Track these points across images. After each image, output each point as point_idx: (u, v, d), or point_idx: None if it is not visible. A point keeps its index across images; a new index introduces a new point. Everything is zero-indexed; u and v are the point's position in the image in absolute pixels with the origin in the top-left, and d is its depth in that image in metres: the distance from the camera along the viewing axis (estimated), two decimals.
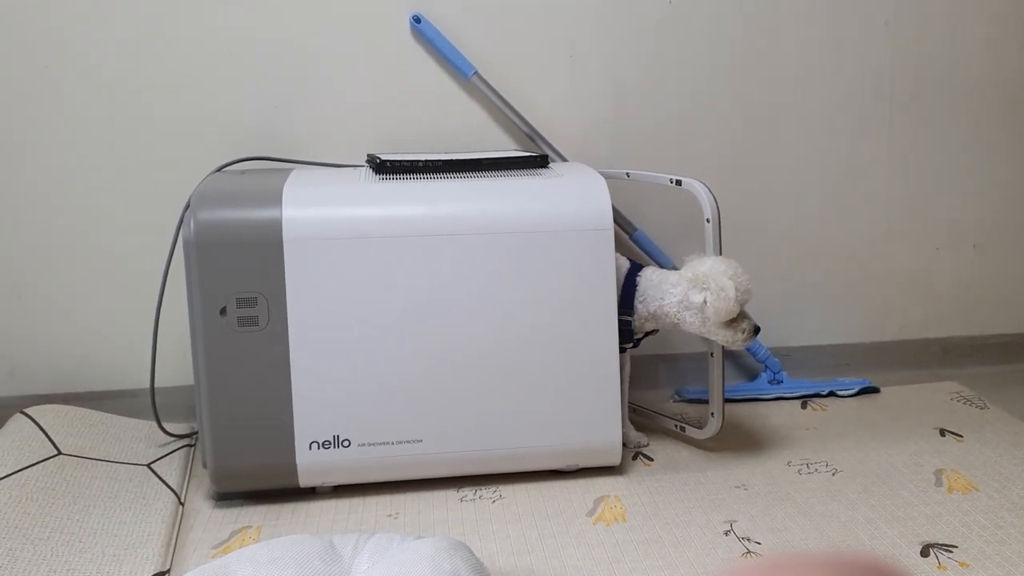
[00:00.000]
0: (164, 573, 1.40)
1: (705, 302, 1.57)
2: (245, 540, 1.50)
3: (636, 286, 1.67)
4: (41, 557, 1.40)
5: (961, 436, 1.88)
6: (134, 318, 1.94)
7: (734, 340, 1.60)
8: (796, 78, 2.07)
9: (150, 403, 1.79)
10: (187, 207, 1.70)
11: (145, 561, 1.41)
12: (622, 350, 1.71)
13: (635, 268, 1.69)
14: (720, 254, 1.66)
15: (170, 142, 1.88)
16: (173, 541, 1.50)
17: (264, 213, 1.51)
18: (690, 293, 1.59)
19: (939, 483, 1.67)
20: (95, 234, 1.92)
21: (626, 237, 1.99)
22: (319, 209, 1.54)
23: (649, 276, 1.67)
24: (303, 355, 1.54)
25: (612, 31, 1.98)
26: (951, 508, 1.58)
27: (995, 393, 2.13)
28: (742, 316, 1.60)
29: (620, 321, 1.64)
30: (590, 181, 1.64)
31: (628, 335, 1.69)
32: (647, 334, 1.74)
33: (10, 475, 1.58)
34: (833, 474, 1.71)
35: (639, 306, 1.66)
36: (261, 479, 1.61)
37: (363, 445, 1.59)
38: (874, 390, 2.13)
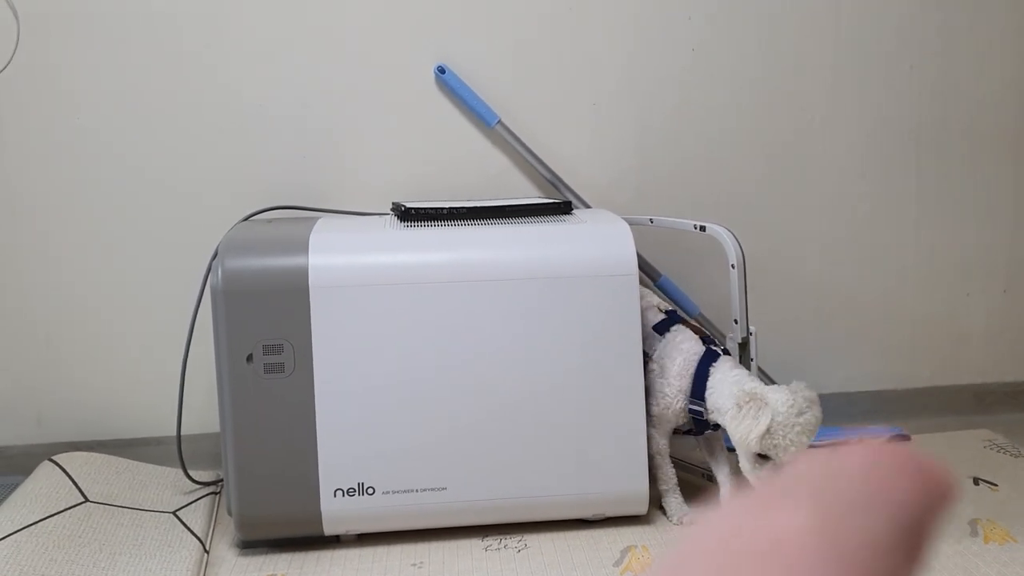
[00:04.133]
0: None
1: (730, 415, 1.47)
2: None
3: (708, 376, 1.57)
4: None
5: (996, 485, 1.84)
6: (161, 366, 1.96)
7: (747, 472, 1.47)
8: (822, 122, 2.07)
9: (176, 450, 1.80)
10: (215, 256, 1.72)
11: None
12: (689, 432, 1.70)
13: (711, 356, 1.58)
14: (746, 299, 1.65)
15: (198, 192, 1.92)
16: None
17: (291, 261, 1.53)
18: (729, 400, 1.49)
19: (975, 533, 1.63)
20: (124, 284, 1.94)
21: (650, 282, 1.98)
22: (345, 256, 1.55)
23: (722, 368, 1.56)
24: (328, 402, 1.55)
25: (636, 79, 2.00)
26: (988, 559, 1.54)
27: None
28: (766, 459, 1.44)
29: (691, 409, 1.59)
30: (614, 227, 1.65)
31: (702, 424, 1.62)
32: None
33: (38, 522, 1.59)
34: None
35: (708, 396, 1.56)
36: (286, 527, 1.60)
37: (387, 493, 1.58)
38: (905, 438, 2.09)
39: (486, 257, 1.58)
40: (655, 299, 1.78)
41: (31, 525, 1.57)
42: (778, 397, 1.42)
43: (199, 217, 1.92)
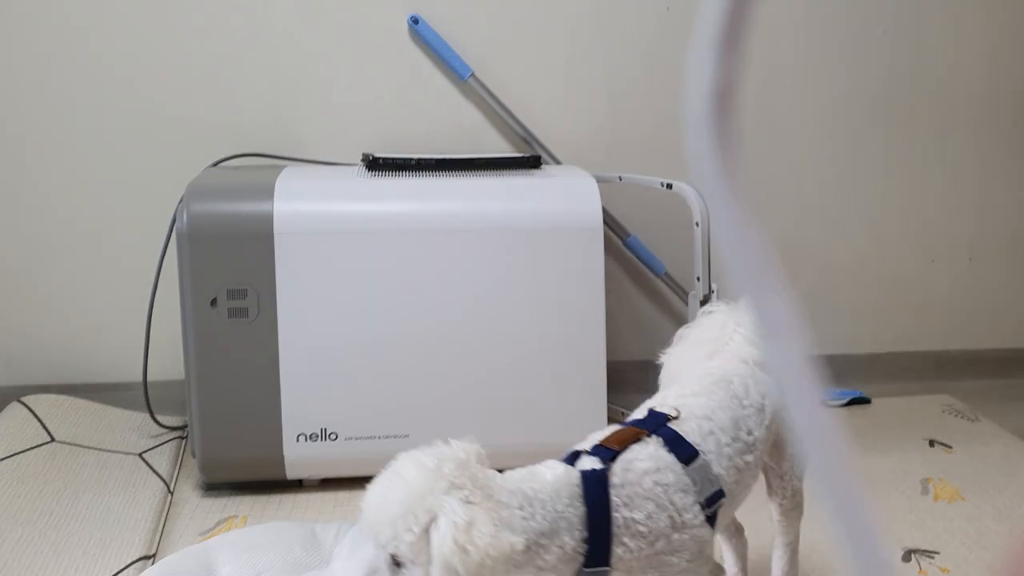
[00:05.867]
0: (149, 558, 1.42)
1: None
2: (231, 529, 1.52)
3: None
4: (28, 539, 1.42)
5: (950, 447, 1.88)
6: (130, 312, 1.97)
7: None
8: (792, 85, 2.08)
9: (143, 395, 1.81)
10: (181, 200, 1.73)
11: (131, 546, 1.43)
12: None
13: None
14: (709, 257, 1.67)
15: (168, 139, 1.91)
16: (160, 528, 1.52)
17: (256, 206, 1.54)
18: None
19: (925, 491, 1.67)
20: (92, 228, 1.94)
21: (618, 241, 2.00)
22: (310, 203, 1.56)
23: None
24: (292, 348, 1.56)
25: (608, 36, 2.00)
26: (936, 516, 1.58)
27: (987, 406, 2.12)
28: None
29: None
30: (581, 182, 1.66)
31: None
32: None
33: (3, 459, 1.60)
34: None
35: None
36: (249, 470, 1.62)
37: (350, 439, 1.60)
38: (865, 401, 2.13)
39: (453, 208, 1.59)
40: None
41: None
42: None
43: (168, 163, 1.92)
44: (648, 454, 0.92)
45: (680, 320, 2.06)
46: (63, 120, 1.89)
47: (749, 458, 1.01)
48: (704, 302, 1.69)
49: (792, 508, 1.17)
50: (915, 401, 2.14)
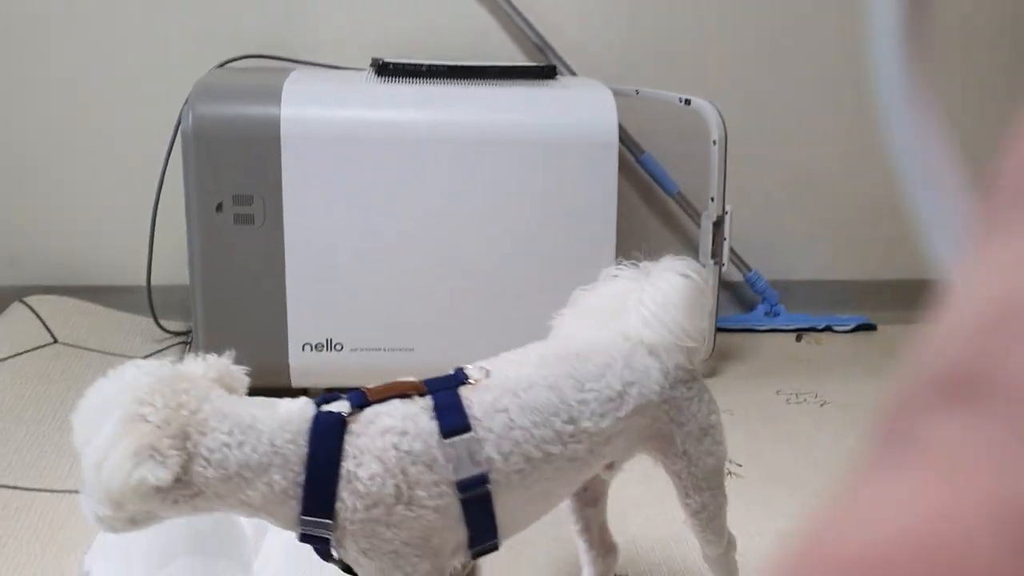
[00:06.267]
0: None
1: None
2: None
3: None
4: (32, 438, 1.42)
5: None
6: (135, 215, 1.93)
7: None
8: (815, 5, 2.01)
9: (147, 300, 1.80)
10: (185, 103, 1.68)
11: None
12: None
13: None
14: (724, 177, 1.64)
15: (174, 38, 1.85)
16: None
17: (263, 110, 1.49)
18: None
19: None
20: (97, 129, 1.90)
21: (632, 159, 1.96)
22: (318, 108, 1.52)
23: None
24: (298, 256, 1.54)
25: None
26: None
27: None
28: None
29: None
30: (597, 95, 1.62)
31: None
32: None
33: (6, 359, 1.60)
34: (821, 405, 1.71)
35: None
36: (253, 377, 1.60)
37: (355, 350, 1.59)
38: (871, 327, 2.12)
39: (464, 117, 1.55)
40: None
41: (1, 360, 1.59)
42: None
43: (174, 63, 1.86)
44: (403, 413, 0.82)
45: (690, 241, 2.04)
46: (67, 20, 1.83)
47: (556, 449, 0.86)
48: (718, 224, 1.67)
49: (708, 522, 1.00)
50: (921, 329, 2.13)
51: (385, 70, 1.64)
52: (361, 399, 0.82)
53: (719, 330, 2.02)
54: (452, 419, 0.82)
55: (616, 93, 1.65)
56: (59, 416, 1.49)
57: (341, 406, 0.81)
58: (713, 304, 1.72)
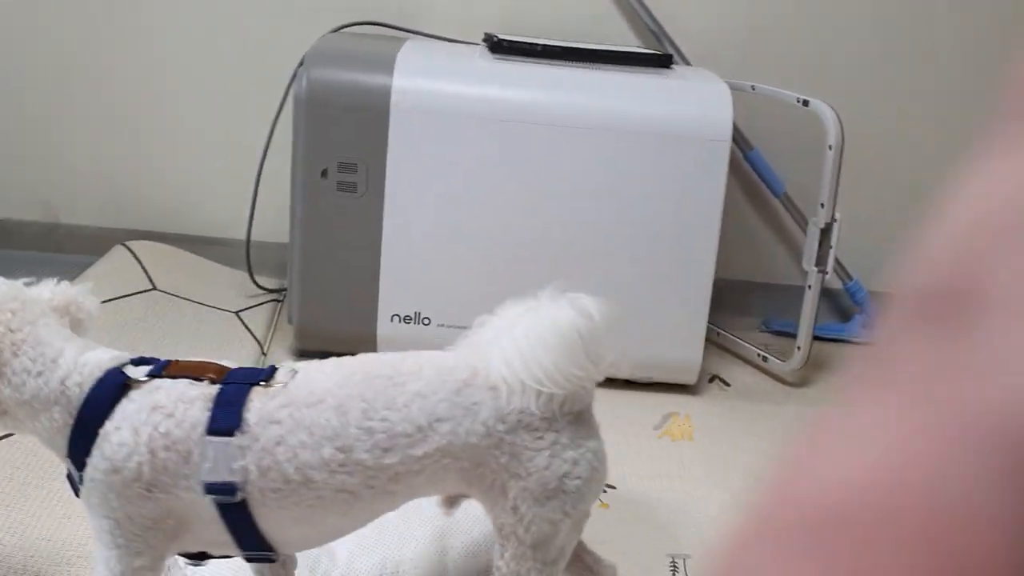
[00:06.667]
0: None
1: None
2: None
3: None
4: None
5: None
6: (240, 170, 1.96)
7: None
8: (949, 9, 1.91)
9: (244, 254, 1.83)
10: (300, 64, 1.69)
11: None
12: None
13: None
14: (837, 184, 1.58)
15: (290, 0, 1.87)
16: None
17: (375, 79, 1.49)
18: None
19: None
20: (211, 84, 1.93)
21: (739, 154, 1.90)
22: (430, 81, 1.50)
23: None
24: (395, 227, 1.54)
25: None
26: None
27: None
28: None
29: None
30: (713, 88, 1.57)
31: None
32: None
33: (106, 302, 1.64)
34: None
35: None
36: (341, 342, 1.62)
37: (443, 326, 1.59)
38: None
39: (576, 101, 1.52)
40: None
41: (101, 303, 1.63)
42: None
43: (290, 24, 1.87)
44: (180, 396, 0.79)
45: (794, 246, 1.98)
46: None
47: (319, 477, 0.79)
48: (825, 231, 1.61)
49: None
50: None
51: (499, 47, 1.62)
52: (159, 370, 0.81)
53: (815, 339, 1.96)
54: (223, 418, 0.78)
55: (731, 87, 1.59)
56: None
57: (139, 371, 0.81)
58: (812, 311, 1.67)
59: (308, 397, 0.80)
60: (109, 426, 0.78)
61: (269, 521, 0.81)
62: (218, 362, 0.84)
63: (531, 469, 0.82)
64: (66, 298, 0.85)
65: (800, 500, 0.15)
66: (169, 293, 1.77)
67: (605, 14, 1.88)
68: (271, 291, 1.90)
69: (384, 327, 1.59)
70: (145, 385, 0.80)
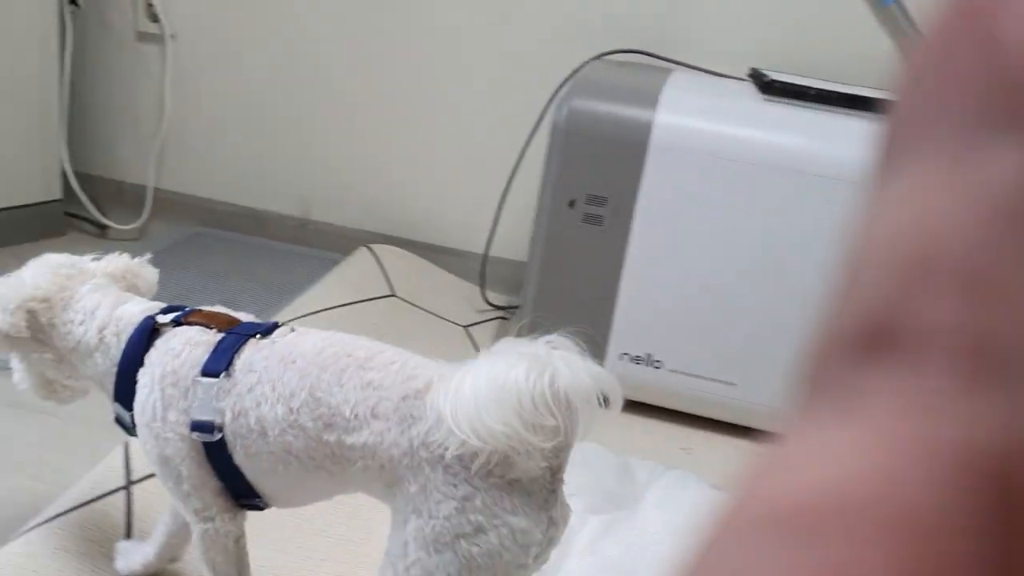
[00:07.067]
0: None
1: None
2: None
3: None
4: None
5: None
6: (485, 185, 1.98)
7: None
8: None
9: (478, 268, 1.84)
10: (558, 89, 1.68)
11: None
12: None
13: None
14: None
15: (552, 22, 1.86)
16: None
17: (637, 112, 1.45)
18: None
19: None
20: (466, 96, 1.96)
21: None
22: (695, 119, 1.44)
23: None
24: (637, 265, 1.49)
25: None
26: None
27: None
28: None
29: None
30: None
31: None
32: None
33: (351, 304, 1.70)
34: None
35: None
36: None
37: (674, 371, 1.53)
38: None
39: (847, 152, 1.41)
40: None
41: (345, 305, 1.69)
42: None
43: (550, 48, 1.87)
44: (188, 339, 0.87)
45: None
46: None
47: (272, 432, 0.82)
48: None
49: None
50: None
51: (769, 88, 1.53)
52: (181, 317, 0.89)
53: None
54: (215, 361, 0.85)
55: None
56: None
57: (166, 318, 0.89)
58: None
59: (285, 356, 0.84)
60: (141, 371, 0.88)
61: (246, 468, 0.86)
62: (232, 314, 0.92)
63: (434, 513, 0.77)
64: (121, 266, 0.98)
65: (771, 497, 0.16)
66: (406, 301, 1.81)
67: (878, 57, 1.74)
68: (499, 308, 1.90)
69: (613, 364, 1.55)
70: (167, 332, 0.89)
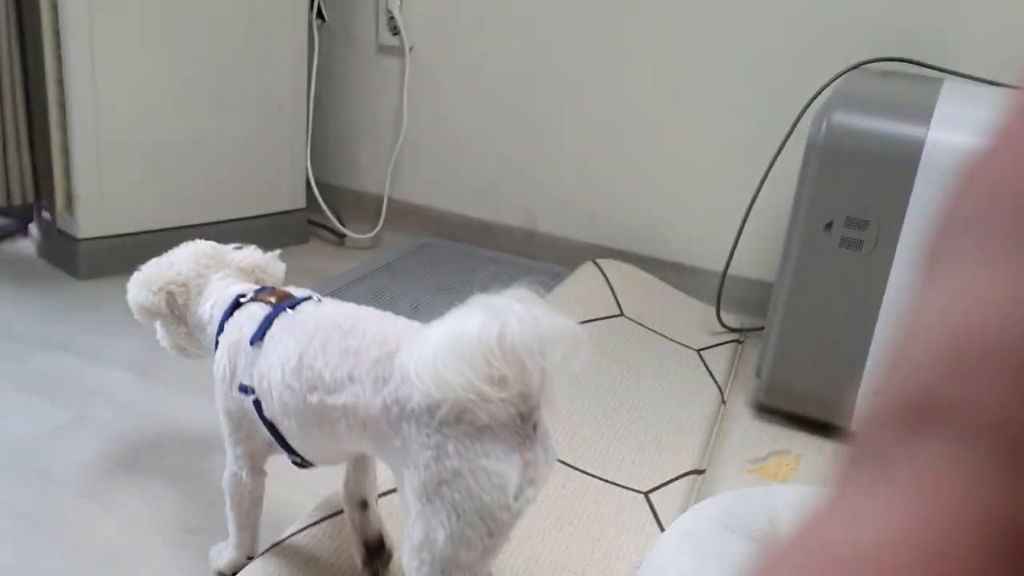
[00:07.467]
0: (699, 473, 1.37)
1: None
2: (781, 466, 1.42)
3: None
4: (590, 414, 1.45)
5: None
6: (727, 201, 1.89)
7: None
8: None
9: (714, 287, 1.75)
10: (811, 101, 1.56)
11: (685, 455, 1.39)
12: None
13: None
14: None
15: (802, 28, 1.73)
16: (711, 442, 1.46)
17: (907, 129, 1.31)
18: None
19: None
20: (711, 106, 1.87)
21: None
22: (972, 136, 1.29)
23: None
24: (900, 295, 1.36)
25: None
26: None
27: None
28: None
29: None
30: None
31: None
32: None
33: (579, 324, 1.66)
34: None
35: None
36: (810, 406, 1.49)
37: None
38: None
39: None
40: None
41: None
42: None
43: (800, 55, 1.75)
44: (250, 314, 0.98)
45: None
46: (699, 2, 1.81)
47: (275, 392, 0.92)
48: None
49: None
50: None
51: None
52: (256, 295, 1.01)
53: None
54: (258, 331, 0.95)
55: None
56: (618, 397, 1.51)
57: (246, 297, 1.02)
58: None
59: (295, 326, 0.93)
60: (220, 339, 1.01)
61: (284, 426, 0.94)
62: (287, 289, 1.02)
63: (417, 463, 0.81)
64: (253, 261, 1.11)
65: (818, 547, 0.18)
66: (635, 321, 1.75)
67: None
68: (734, 330, 1.80)
69: (864, 400, 1.42)
70: (244, 307, 1.00)
